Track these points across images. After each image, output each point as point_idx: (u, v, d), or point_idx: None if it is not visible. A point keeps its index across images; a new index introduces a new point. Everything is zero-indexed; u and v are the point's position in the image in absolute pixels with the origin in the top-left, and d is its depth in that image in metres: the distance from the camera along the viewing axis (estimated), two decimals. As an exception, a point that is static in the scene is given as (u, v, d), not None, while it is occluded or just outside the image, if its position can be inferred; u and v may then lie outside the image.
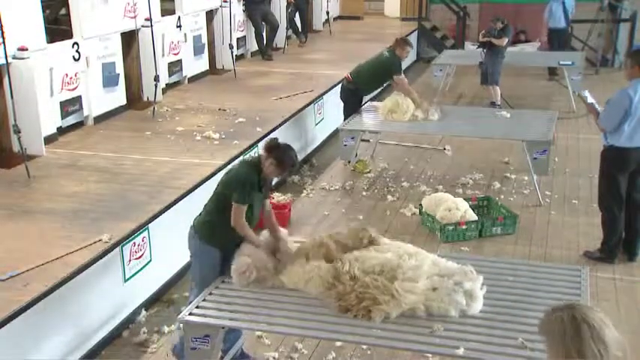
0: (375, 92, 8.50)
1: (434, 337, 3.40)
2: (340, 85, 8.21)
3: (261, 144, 3.99)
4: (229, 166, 4.05)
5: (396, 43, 7.78)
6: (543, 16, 11.99)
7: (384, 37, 13.40)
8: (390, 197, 7.08)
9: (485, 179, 7.54)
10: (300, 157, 8.13)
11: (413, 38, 14.19)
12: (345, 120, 7.81)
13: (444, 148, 8.50)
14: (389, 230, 6.30)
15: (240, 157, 6.55)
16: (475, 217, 6.21)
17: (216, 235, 3.99)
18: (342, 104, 8.11)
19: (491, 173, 7.73)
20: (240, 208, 3.87)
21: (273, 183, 4.24)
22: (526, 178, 7.36)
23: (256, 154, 4.03)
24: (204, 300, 3.77)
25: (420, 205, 6.52)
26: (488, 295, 3.77)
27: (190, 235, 4.10)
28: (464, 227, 6.07)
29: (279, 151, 3.92)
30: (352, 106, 7.95)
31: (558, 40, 11.93)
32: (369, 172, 7.76)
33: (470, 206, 6.32)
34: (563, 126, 8.81)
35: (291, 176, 7.50)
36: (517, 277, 4.00)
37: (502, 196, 7.01)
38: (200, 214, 4.12)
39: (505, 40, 9.81)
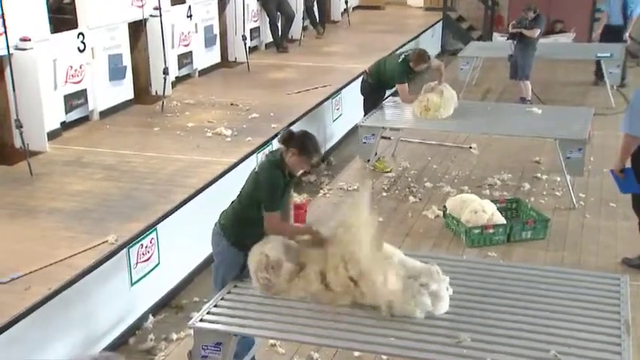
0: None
1: (460, 348, 3.38)
2: (361, 79, 8.21)
3: (276, 140, 3.97)
4: (257, 165, 4.03)
5: (413, 54, 7.61)
6: (603, 11, 11.52)
7: (406, 28, 13.39)
8: (412, 198, 7.06)
9: (514, 180, 7.49)
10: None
11: (437, 29, 14.16)
12: (364, 115, 7.80)
13: (470, 147, 8.46)
14: (410, 234, 6.28)
15: (262, 155, 6.57)
16: (503, 221, 6.17)
17: (242, 237, 3.99)
18: (362, 99, 8.11)
19: (521, 174, 7.67)
20: (273, 215, 3.89)
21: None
22: (558, 178, 7.30)
23: (277, 153, 4.00)
24: (215, 306, 3.78)
25: (444, 207, 6.49)
26: (517, 304, 3.75)
27: (216, 233, 4.09)
28: (491, 231, 6.03)
29: (297, 140, 3.90)
30: (372, 100, 7.94)
31: (612, 38, 11.09)
32: (389, 172, 7.75)
33: (497, 209, 6.28)
34: (599, 123, 8.72)
35: (311, 172, 7.51)
36: (549, 286, 3.96)
37: (532, 198, 6.96)
38: (227, 212, 4.11)
39: (537, 31, 9.72)
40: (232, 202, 4.13)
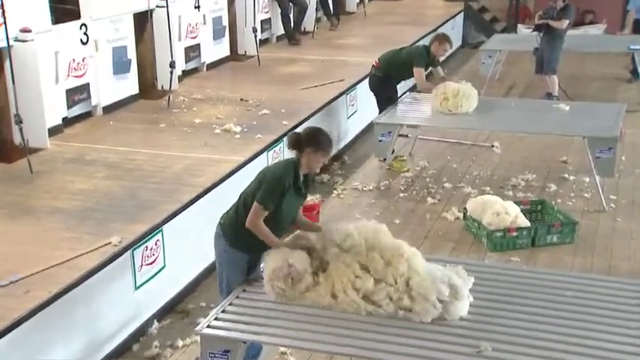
0: (410, 81, 8.36)
1: (481, 358, 3.36)
2: (369, 74, 8.16)
3: (286, 147, 4.02)
4: (268, 165, 4.07)
5: (434, 37, 7.77)
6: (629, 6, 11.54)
7: (424, 19, 13.36)
8: (430, 199, 7.04)
9: (539, 180, 7.46)
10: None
11: (458, 21, 14.11)
12: (380, 113, 7.78)
13: (492, 145, 8.43)
14: (429, 236, 6.27)
15: (272, 154, 6.59)
16: (527, 223, 6.15)
17: (244, 239, 4.00)
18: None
19: (547, 174, 7.64)
20: (259, 209, 3.87)
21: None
22: (587, 179, 7.26)
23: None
24: (223, 311, 3.79)
25: (465, 208, 6.47)
26: (542, 312, 3.73)
27: (217, 234, 4.11)
28: (514, 234, 6.00)
29: (308, 139, 3.95)
30: (385, 96, 7.89)
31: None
32: (407, 171, 7.73)
33: (521, 210, 6.26)
34: (632, 120, 8.65)
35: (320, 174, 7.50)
36: (577, 293, 3.94)
37: (559, 200, 6.92)
38: (228, 212, 4.13)
39: (565, 22, 9.66)
40: (234, 203, 4.14)
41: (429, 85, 7.69)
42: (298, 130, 7.02)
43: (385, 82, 7.89)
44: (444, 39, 7.70)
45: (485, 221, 6.10)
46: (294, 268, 3.78)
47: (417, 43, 8.03)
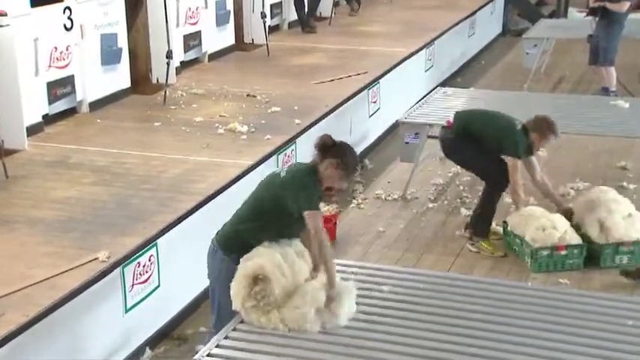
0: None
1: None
2: (439, 136, 6.77)
3: (316, 141, 4.08)
4: (285, 170, 4.12)
5: (535, 123, 6.11)
6: None
7: (459, 3, 13.32)
8: (464, 211, 7.01)
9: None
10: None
11: (498, 4, 14.08)
12: (486, 183, 6.47)
13: (538, 149, 8.39)
14: (462, 254, 6.24)
15: (283, 157, 6.58)
16: (579, 240, 6.09)
17: (250, 246, 4.02)
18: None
19: (602, 182, 7.55)
20: (317, 214, 3.97)
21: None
22: (650, 188, 7.23)
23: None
24: (226, 337, 3.79)
25: (504, 222, 6.44)
26: (600, 344, 3.70)
27: (210, 252, 4.14)
28: (563, 253, 5.96)
29: (338, 149, 4.01)
30: (472, 157, 6.46)
31: None
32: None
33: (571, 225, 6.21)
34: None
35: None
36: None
37: (615, 213, 6.86)
38: (224, 227, 4.17)
39: (626, 5, 9.57)
40: (234, 217, 4.17)
41: (518, 187, 6.26)
42: (315, 130, 7.14)
43: (464, 142, 6.43)
44: (548, 129, 6.05)
45: (529, 237, 6.06)
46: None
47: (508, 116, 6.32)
